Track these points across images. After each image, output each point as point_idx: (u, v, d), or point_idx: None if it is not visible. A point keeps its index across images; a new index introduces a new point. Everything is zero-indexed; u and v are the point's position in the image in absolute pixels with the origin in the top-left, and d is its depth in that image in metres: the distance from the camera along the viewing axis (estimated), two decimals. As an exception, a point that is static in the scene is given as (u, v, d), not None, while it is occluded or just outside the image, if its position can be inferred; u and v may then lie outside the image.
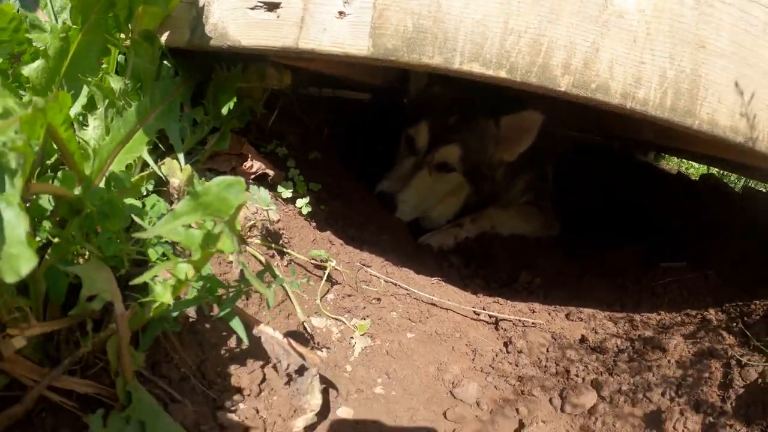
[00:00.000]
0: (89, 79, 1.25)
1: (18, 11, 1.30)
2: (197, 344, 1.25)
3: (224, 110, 1.51)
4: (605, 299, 1.89)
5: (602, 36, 1.26)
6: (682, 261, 2.01)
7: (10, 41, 1.21)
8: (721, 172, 3.41)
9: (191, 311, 1.21)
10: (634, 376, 1.62)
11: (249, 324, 1.22)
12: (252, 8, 1.34)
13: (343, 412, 1.32)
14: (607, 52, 1.27)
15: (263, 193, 1.40)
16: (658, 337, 1.72)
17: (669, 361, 1.65)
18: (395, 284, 1.68)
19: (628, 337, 1.74)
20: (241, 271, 1.11)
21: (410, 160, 2.43)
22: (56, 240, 1.01)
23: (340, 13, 1.30)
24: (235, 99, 1.50)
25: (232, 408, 1.20)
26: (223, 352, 1.27)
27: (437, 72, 1.34)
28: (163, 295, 0.99)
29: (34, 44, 1.25)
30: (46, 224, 1.03)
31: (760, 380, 1.48)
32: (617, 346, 1.71)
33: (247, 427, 1.17)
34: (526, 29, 1.26)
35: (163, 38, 1.41)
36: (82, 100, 1.30)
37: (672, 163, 4.44)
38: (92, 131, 1.25)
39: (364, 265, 1.67)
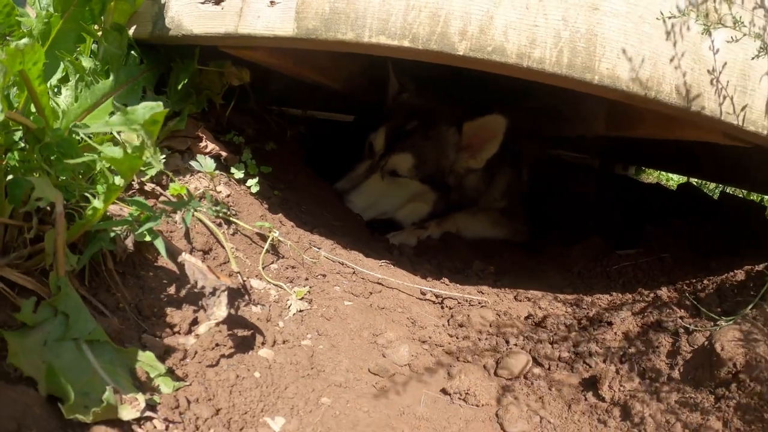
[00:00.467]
0: (66, 57, 1.49)
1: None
2: (139, 287, 1.42)
3: (183, 97, 1.73)
4: (558, 284, 1.99)
5: (495, 5, 1.45)
6: (639, 249, 2.07)
7: (2, 23, 1.48)
8: (699, 182, 3.45)
9: (130, 243, 1.37)
10: (576, 346, 1.69)
11: (175, 252, 1.38)
12: (202, 2, 1.59)
13: (264, 353, 1.45)
14: (501, 19, 1.45)
15: (209, 161, 1.60)
16: (606, 313, 1.79)
17: (615, 334, 1.74)
18: (342, 263, 1.82)
19: (574, 315, 1.83)
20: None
21: (366, 163, 2.58)
22: (20, 161, 1.25)
23: (272, 2, 1.54)
24: (188, 87, 1.72)
25: (158, 335, 1.36)
26: (162, 296, 1.44)
27: (350, 48, 1.53)
28: (97, 203, 1.22)
29: (22, 27, 1.51)
30: (15, 153, 1.26)
31: (706, 342, 1.54)
32: (562, 323, 1.80)
33: (168, 346, 1.33)
34: (426, 4, 1.46)
35: (131, 31, 1.66)
36: (59, 74, 1.57)
37: (652, 177, 4.49)
38: (64, 98, 1.51)
39: (313, 245, 1.82)
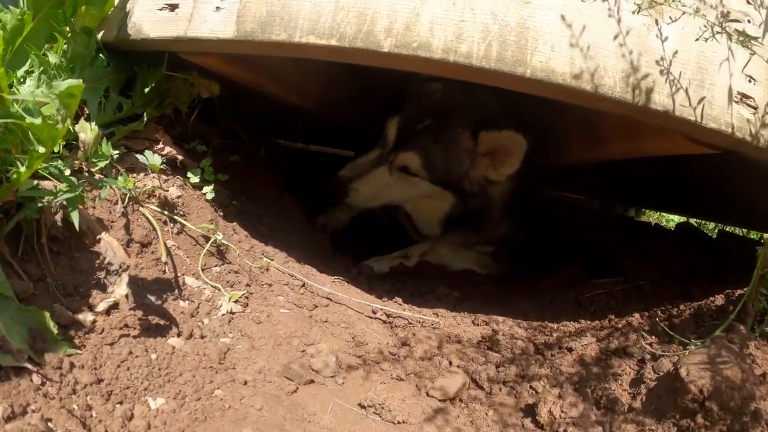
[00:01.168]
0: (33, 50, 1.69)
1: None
2: (70, 267, 1.53)
3: (147, 102, 1.88)
4: (523, 310, 1.97)
5: (422, 2, 1.54)
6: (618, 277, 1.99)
7: None
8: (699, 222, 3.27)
9: (59, 219, 1.49)
10: (524, 370, 1.64)
11: (95, 230, 1.49)
12: (160, 9, 1.76)
13: (173, 341, 1.50)
14: (427, 15, 1.54)
15: (156, 157, 1.72)
16: (567, 339, 1.74)
17: (573, 360, 1.68)
18: (291, 275, 1.87)
19: (533, 340, 1.79)
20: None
21: (376, 152, 2.57)
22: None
23: (217, 8, 1.70)
24: (153, 93, 1.87)
25: (72, 309, 1.45)
26: (90, 279, 1.55)
27: (284, 49, 1.64)
28: (21, 168, 1.36)
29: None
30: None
31: (672, 368, 1.49)
32: (518, 347, 1.77)
33: (76, 319, 1.42)
34: (355, 4, 1.58)
35: (100, 35, 1.85)
36: (27, 67, 1.73)
37: (653, 218, 4.28)
38: (27, 87, 1.67)
39: (265, 256, 1.87)
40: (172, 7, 1.76)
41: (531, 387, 1.63)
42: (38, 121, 1.33)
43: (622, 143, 1.96)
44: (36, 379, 1.24)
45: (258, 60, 1.98)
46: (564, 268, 2.33)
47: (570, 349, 1.75)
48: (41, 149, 1.40)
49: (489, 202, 2.65)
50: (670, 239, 2.64)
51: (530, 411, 1.56)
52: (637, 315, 1.84)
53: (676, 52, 1.53)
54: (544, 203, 3.02)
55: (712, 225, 3.74)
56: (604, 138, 2.08)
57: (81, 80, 1.36)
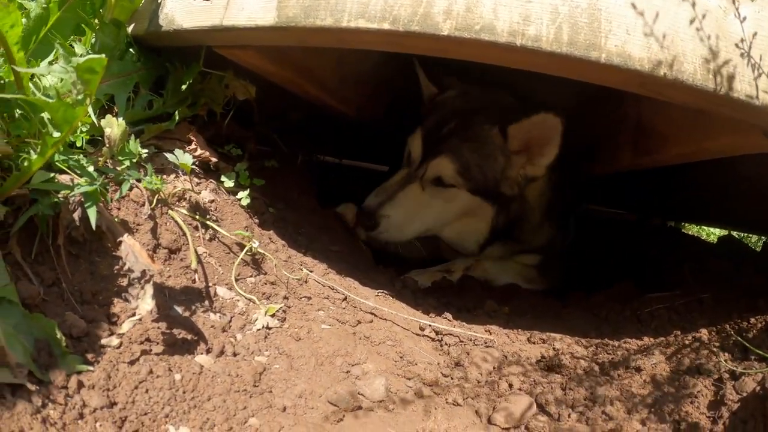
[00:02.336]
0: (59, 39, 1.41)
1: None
2: (89, 272, 1.22)
3: (180, 101, 1.59)
4: (581, 328, 1.65)
5: (483, -19, 1.21)
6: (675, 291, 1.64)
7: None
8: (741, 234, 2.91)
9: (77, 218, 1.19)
10: (593, 392, 1.30)
11: (116, 231, 1.19)
12: (194, -2, 1.46)
13: (201, 359, 1.19)
14: None
15: (187, 156, 1.41)
16: (633, 357, 1.40)
17: (643, 380, 1.36)
18: (332, 288, 1.55)
19: (595, 359, 1.46)
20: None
21: (402, 172, 2.17)
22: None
23: None
24: (187, 92, 1.59)
25: (88, 319, 1.14)
26: (111, 285, 1.24)
27: (330, 36, 1.35)
28: (33, 155, 1.09)
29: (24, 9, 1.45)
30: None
31: (758, 388, 1.20)
32: (581, 367, 1.43)
33: (88, 331, 1.12)
34: None
35: (130, 28, 1.57)
36: (51, 58, 1.46)
37: (692, 231, 3.94)
38: (49, 80, 1.39)
39: (304, 267, 1.56)
40: (207, -6, 1.47)
41: (604, 412, 1.28)
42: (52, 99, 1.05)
43: (684, 144, 1.64)
44: (35, 399, 0.93)
45: (297, 57, 1.69)
46: (613, 282, 1.99)
47: (638, 369, 1.41)
48: (56, 133, 1.11)
49: (527, 205, 2.22)
50: (714, 252, 2.30)
51: (607, 441, 1.22)
52: (704, 330, 1.50)
53: (755, 34, 1.23)
54: (586, 215, 2.69)
55: (755, 238, 3.36)
56: (662, 140, 1.76)
57: (103, 55, 1.07)
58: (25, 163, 1.11)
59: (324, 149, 2.56)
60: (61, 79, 1.40)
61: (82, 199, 1.19)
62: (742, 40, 1.22)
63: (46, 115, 1.19)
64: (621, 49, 1.21)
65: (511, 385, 1.38)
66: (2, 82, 1.20)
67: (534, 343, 1.56)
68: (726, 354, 1.38)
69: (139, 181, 1.37)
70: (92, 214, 1.14)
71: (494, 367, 1.43)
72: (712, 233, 4.04)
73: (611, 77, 1.28)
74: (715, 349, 1.37)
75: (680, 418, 1.23)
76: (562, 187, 2.29)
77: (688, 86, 1.22)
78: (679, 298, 1.63)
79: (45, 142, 1.10)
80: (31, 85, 1.27)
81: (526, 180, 2.13)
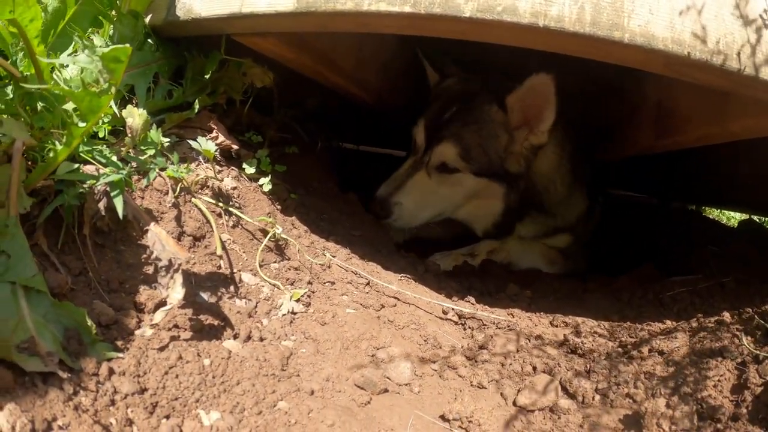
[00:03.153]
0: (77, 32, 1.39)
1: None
2: (116, 261, 1.20)
3: (200, 89, 1.56)
4: (603, 310, 1.61)
5: (505, -38, 1.17)
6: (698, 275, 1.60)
7: None
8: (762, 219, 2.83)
9: (102, 207, 1.17)
10: (616, 376, 1.26)
11: (142, 220, 1.17)
12: (212, -14, 1.43)
13: (229, 344, 1.16)
14: None
15: (210, 143, 1.38)
16: (656, 340, 1.36)
17: (665, 363, 1.30)
18: (355, 272, 1.53)
19: (619, 342, 1.42)
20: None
21: (409, 161, 2.18)
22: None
23: None
24: (207, 81, 1.56)
25: (116, 307, 1.13)
26: (137, 274, 1.22)
27: (351, 21, 1.31)
28: (58, 145, 1.08)
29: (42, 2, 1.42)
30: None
31: None
32: (603, 350, 1.40)
33: (116, 319, 1.10)
34: None
35: (147, 19, 1.53)
36: (70, 50, 1.44)
37: (712, 215, 3.84)
38: (70, 72, 1.36)
39: (326, 251, 1.53)
40: (224, -18, 1.44)
41: (627, 394, 1.25)
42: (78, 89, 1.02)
43: (707, 126, 1.59)
44: (67, 387, 0.91)
45: (317, 44, 1.65)
46: (635, 266, 1.95)
47: (661, 352, 1.37)
48: (81, 124, 1.09)
49: (538, 179, 2.18)
50: (735, 235, 2.24)
51: (632, 423, 1.19)
52: (726, 314, 1.46)
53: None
54: (607, 199, 2.63)
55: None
56: (683, 121, 1.71)
57: (128, 45, 1.04)
58: (51, 154, 1.10)
59: (342, 135, 2.51)
60: (82, 70, 1.39)
61: (108, 189, 1.17)
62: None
63: (70, 106, 1.17)
64: (644, 29, 1.17)
65: (534, 368, 1.35)
66: (24, 75, 1.18)
67: (556, 326, 1.52)
68: (748, 338, 1.34)
69: (163, 169, 1.35)
70: (119, 203, 1.12)
71: (517, 350, 1.40)
72: (733, 217, 3.95)
73: (634, 58, 1.24)
74: (737, 333, 1.33)
75: (703, 401, 1.20)
76: (577, 156, 2.25)
77: (713, 66, 1.18)
78: (702, 282, 1.59)
79: (71, 133, 1.08)
80: (54, 77, 1.25)
81: (532, 151, 2.10)
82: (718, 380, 1.26)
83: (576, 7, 1.17)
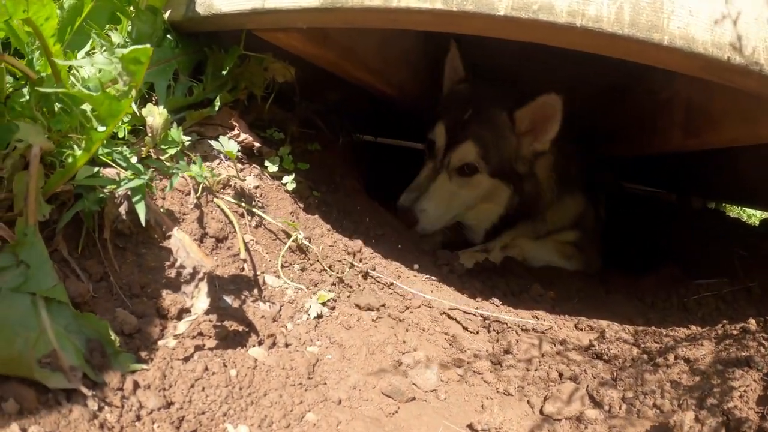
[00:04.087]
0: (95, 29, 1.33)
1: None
2: (137, 265, 1.15)
3: (220, 86, 1.49)
4: (627, 314, 1.55)
5: (541, -41, 1.09)
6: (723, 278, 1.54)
7: None
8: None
9: (123, 212, 1.12)
10: (643, 385, 1.20)
11: (165, 224, 1.11)
12: (232, -20, 1.36)
13: (254, 352, 1.11)
14: None
15: (232, 143, 1.33)
16: (681, 347, 1.29)
17: (690, 371, 1.23)
18: (379, 273, 1.45)
19: (644, 348, 1.35)
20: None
21: (429, 165, 2.17)
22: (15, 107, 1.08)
23: None
24: (227, 77, 1.49)
25: (140, 315, 1.08)
26: (159, 277, 1.16)
27: (378, 17, 1.23)
28: (77, 150, 1.02)
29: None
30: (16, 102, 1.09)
31: None
32: (629, 356, 1.33)
33: (139, 327, 1.05)
34: None
35: (167, 15, 1.46)
36: (87, 48, 1.38)
37: (733, 213, 3.73)
38: (88, 70, 1.30)
39: (351, 256, 1.47)
40: (245, -23, 1.36)
41: (654, 404, 1.20)
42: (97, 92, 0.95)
43: (737, 129, 1.52)
44: (92, 404, 0.86)
45: (340, 38, 1.57)
46: (659, 266, 1.88)
47: (687, 360, 1.31)
48: (101, 128, 1.02)
49: (538, 181, 2.21)
50: (757, 235, 2.17)
51: (661, 433, 1.14)
52: (752, 321, 1.40)
53: None
54: (622, 194, 2.57)
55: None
56: (714, 123, 1.63)
57: (148, 45, 0.97)
58: (70, 160, 1.03)
59: (362, 128, 2.44)
60: (100, 70, 1.32)
61: (128, 193, 1.12)
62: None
63: (88, 107, 1.11)
64: (684, 31, 1.10)
65: (561, 374, 1.29)
66: (41, 75, 1.11)
67: (581, 329, 1.47)
68: (777, 347, 1.28)
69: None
70: (141, 209, 1.06)
71: (543, 355, 1.35)
72: (754, 215, 3.86)
73: (673, 60, 1.17)
74: (764, 341, 1.27)
75: (729, 412, 1.15)
76: (569, 164, 2.28)
77: (754, 72, 1.10)
78: (727, 286, 1.53)
79: (90, 137, 1.01)
80: (71, 77, 1.18)
81: (534, 155, 2.14)
82: (744, 391, 1.20)
83: (615, 6, 1.09)
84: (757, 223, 3.00)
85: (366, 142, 2.33)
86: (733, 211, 3.80)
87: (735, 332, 1.39)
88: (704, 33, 1.10)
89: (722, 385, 1.23)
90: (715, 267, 1.78)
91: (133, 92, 1.01)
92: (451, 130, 2.11)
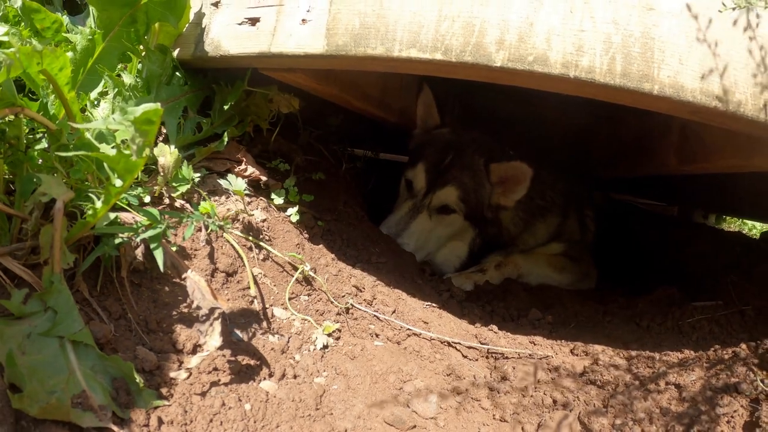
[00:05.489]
0: (106, 72, 1.42)
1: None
2: (152, 300, 1.28)
3: (227, 120, 1.59)
4: (622, 338, 1.65)
5: (536, 10, 1.21)
6: (718, 300, 1.64)
7: (52, 37, 1.45)
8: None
9: (140, 254, 1.23)
10: (632, 411, 1.30)
11: (180, 268, 1.21)
12: (239, 24, 1.48)
13: (266, 385, 1.23)
14: (542, 25, 1.24)
15: (239, 181, 1.44)
16: (673, 373, 1.40)
17: (680, 397, 1.33)
18: (381, 302, 1.57)
19: (637, 374, 1.47)
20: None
21: (408, 203, 2.34)
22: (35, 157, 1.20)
23: (303, 20, 1.40)
24: (233, 111, 1.59)
25: (158, 351, 1.19)
26: (173, 312, 1.29)
27: (381, 64, 1.33)
28: (97, 203, 1.11)
29: (70, 43, 1.46)
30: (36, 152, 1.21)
31: None
32: (622, 382, 1.44)
33: (159, 364, 1.16)
34: (459, 13, 1.28)
35: (175, 53, 1.56)
36: (100, 89, 1.50)
37: (734, 225, 3.81)
38: (101, 111, 1.43)
39: (354, 286, 1.57)
40: (253, 21, 1.47)
41: (643, 431, 1.31)
42: (112, 151, 1.06)
43: (732, 158, 1.62)
44: (121, 440, 0.97)
45: (342, 74, 1.68)
46: (655, 286, 1.98)
47: (677, 385, 1.42)
48: (118, 182, 1.12)
49: (501, 225, 2.42)
50: (756, 249, 2.26)
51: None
52: (744, 345, 1.51)
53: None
54: (611, 206, 2.67)
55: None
56: (709, 151, 1.74)
57: (158, 104, 1.07)
58: (90, 212, 1.14)
59: (364, 147, 2.57)
60: (113, 110, 1.42)
61: (146, 238, 1.22)
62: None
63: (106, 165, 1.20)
64: (674, 80, 1.20)
65: (555, 401, 1.40)
66: (59, 128, 1.20)
67: (577, 355, 1.58)
68: (764, 372, 1.39)
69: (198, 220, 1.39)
70: (159, 256, 1.17)
71: (538, 381, 1.46)
72: (755, 227, 3.95)
73: (663, 106, 1.28)
74: (753, 367, 1.38)
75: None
76: (546, 192, 2.50)
77: (740, 117, 1.20)
78: (721, 309, 1.63)
79: (109, 192, 1.12)
80: (85, 125, 1.28)
81: (499, 207, 2.35)
82: (731, 416, 1.31)
83: (607, 57, 1.20)
84: (758, 235, 3.08)
85: (367, 160, 2.43)
86: (734, 223, 3.89)
87: (726, 357, 1.50)
88: (693, 81, 1.21)
89: (710, 411, 1.34)
90: (714, 283, 1.88)
91: (147, 150, 1.11)
92: (432, 173, 2.30)
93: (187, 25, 1.56)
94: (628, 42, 1.20)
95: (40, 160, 1.23)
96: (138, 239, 1.19)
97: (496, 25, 1.22)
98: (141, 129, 1.09)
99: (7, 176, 1.24)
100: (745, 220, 3.94)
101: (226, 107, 1.59)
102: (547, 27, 1.21)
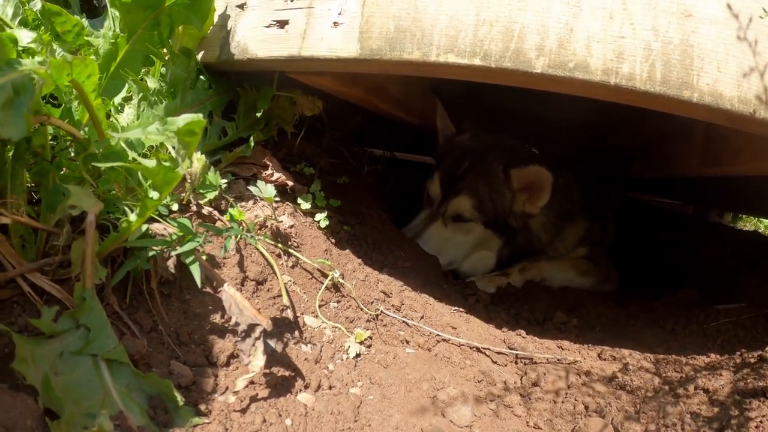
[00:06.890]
0: (131, 76, 1.36)
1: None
2: (182, 311, 1.22)
3: (252, 124, 1.53)
4: (648, 342, 1.60)
5: (575, 16, 1.16)
6: (742, 303, 1.61)
7: (71, 42, 1.38)
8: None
9: (171, 266, 1.17)
10: (664, 417, 1.27)
11: (217, 282, 1.16)
12: (267, 26, 1.42)
13: (303, 397, 1.18)
14: (582, 31, 1.18)
15: (269, 188, 1.38)
16: (701, 377, 1.36)
17: (709, 401, 1.30)
18: (410, 307, 1.52)
19: (666, 378, 1.43)
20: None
21: (425, 212, 2.30)
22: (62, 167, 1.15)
23: (335, 23, 1.33)
24: (259, 115, 1.53)
25: (192, 364, 1.14)
26: (204, 324, 1.23)
27: (417, 69, 1.27)
28: (132, 216, 1.07)
29: (92, 47, 1.39)
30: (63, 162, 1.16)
31: None
32: (651, 387, 1.40)
33: (195, 379, 1.11)
34: (498, 18, 1.21)
35: (200, 56, 1.50)
36: (124, 94, 1.43)
37: (749, 224, 3.80)
38: (126, 116, 1.38)
39: (382, 291, 1.53)
40: (282, 24, 1.40)
41: (679, 439, 1.28)
42: (152, 163, 1.00)
43: (759, 160, 1.57)
44: (163, 463, 0.92)
45: (370, 78, 1.62)
46: (673, 287, 1.95)
47: (706, 390, 1.38)
48: (155, 195, 1.07)
49: (531, 233, 2.35)
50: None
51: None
52: (770, 348, 1.47)
53: None
54: (629, 207, 2.63)
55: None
56: (734, 152, 1.69)
57: (201, 114, 1.01)
58: (124, 224, 1.08)
59: (385, 147, 2.53)
60: (138, 116, 1.36)
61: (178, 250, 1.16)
62: None
63: (140, 175, 1.14)
64: (712, 87, 1.15)
65: (587, 407, 1.36)
66: (87, 137, 1.14)
67: (605, 359, 1.54)
68: (792, 377, 1.36)
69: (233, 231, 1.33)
70: (195, 271, 1.11)
71: (569, 387, 1.42)
72: None
73: (700, 114, 1.22)
74: (783, 372, 1.35)
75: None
76: (571, 194, 2.40)
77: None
78: (745, 311, 1.60)
79: (144, 204, 1.06)
80: (122, 134, 1.22)
81: (526, 215, 2.26)
82: (760, 421, 1.28)
83: (647, 64, 1.15)
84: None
85: (388, 161, 2.38)
86: (750, 221, 3.86)
87: (753, 360, 1.46)
88: (731, 89, 1.15)
89: (740, 416, 1.31)
90: (732, 284, 1.85)
91: (188, 162, 1.06)
92: (447, 181, 2.24)
93: (211, 28, 1.49)
94: (667, 49, 1.14)
95: (64, 169, 1.18)
96: (174, 254, 1.14)
97: (535, 30, 1.16)
98: (183, 140, 1.04)
99: (29, 184, 1.19)
100: (761, 219, 3.91)
101: (258, 114, 1.53)
102: (586, 33, 1.15)
